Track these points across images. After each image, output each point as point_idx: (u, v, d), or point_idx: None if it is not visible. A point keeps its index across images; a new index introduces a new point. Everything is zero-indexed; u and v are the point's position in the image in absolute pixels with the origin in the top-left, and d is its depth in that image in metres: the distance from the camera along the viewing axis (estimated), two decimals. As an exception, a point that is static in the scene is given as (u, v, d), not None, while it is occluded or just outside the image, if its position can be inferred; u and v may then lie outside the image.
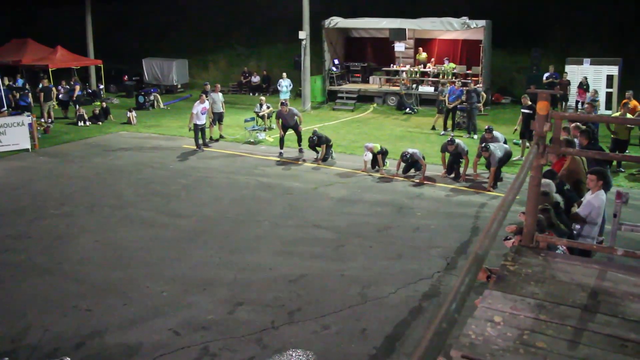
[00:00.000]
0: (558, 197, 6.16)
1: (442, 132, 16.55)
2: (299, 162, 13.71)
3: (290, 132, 14.56)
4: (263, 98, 18.20)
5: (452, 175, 12.01)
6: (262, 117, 17.35)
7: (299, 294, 7.03)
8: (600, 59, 18.80)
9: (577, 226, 6.12)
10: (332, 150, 13.83)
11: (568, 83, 18.46)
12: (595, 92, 16.62)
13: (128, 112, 19.18)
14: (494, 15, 20.63)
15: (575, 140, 8.14)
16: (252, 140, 15.89)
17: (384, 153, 12.71)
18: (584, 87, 18.09)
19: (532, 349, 2.75)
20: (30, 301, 6.90)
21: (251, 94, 25.33)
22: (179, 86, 26.45)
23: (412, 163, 12.12)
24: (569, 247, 4.81)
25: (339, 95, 22.25)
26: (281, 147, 14.25)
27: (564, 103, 18.45)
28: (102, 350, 5.88)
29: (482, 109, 19.18)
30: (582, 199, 6.46)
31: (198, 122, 14.69)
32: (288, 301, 6.84)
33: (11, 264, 7.99)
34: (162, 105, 22.78)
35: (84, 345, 5.94)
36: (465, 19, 19.86)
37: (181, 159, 14.18)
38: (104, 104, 20.12)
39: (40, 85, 19.15)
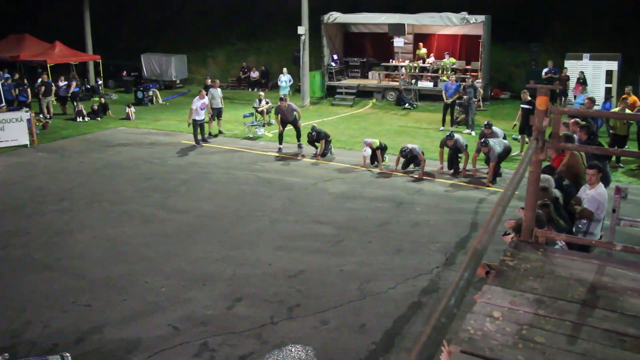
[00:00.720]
0: (557, 193, 6.17)
1: (441, 128, 16.53)
2: (298, 158, 13.71)
3: (290, 127, 14.54)
4: (262, 93, 18.15)
5: (452, 171, 12.02)
6: (261, 113, 17.31)
7: (298, 289, 7.04)
8: (599, 54, 18.75)
9: (584, 221, 6.12)
10: (331, 145, 13.81)
11: (567, 78, 18.45)
12: (584, 87, 17.15)
13: (127, 108, 19.14)
14: (493, 11, 20.59)
15: (575, 135, 8.15)
16: (251, 136, 15.87)
17: (383, 148, 12.70)
18: (580, 81, 18.09)
19: (531, 344, 2.76)
20: (29, 297, 6.91)
21: (250, 90, 25.25)
22: (178, 82, 26.37)
23: (411, 158, 12.11)
24: (567, 242, 4.82)
25: (338, 90, 22.20)
26: (280, 143, 14.24)
27: (563, 98, 18.45)
28: (102, 345, 5.89)
29: (482, 105, 19.19)
30: (577, 194, 6.47)
31: (197, 118, 14.68)
32: (287, 296, 6.85)
33: (10, 260, 8.00)
34: (160, 101, 22.72)
35: (84, 341, 5.96)
36: (464, 14, 19.82)
37: (180, 154, 14.16)
38: (103, 100, 20.09)
39: (40, 80, 19.07)
